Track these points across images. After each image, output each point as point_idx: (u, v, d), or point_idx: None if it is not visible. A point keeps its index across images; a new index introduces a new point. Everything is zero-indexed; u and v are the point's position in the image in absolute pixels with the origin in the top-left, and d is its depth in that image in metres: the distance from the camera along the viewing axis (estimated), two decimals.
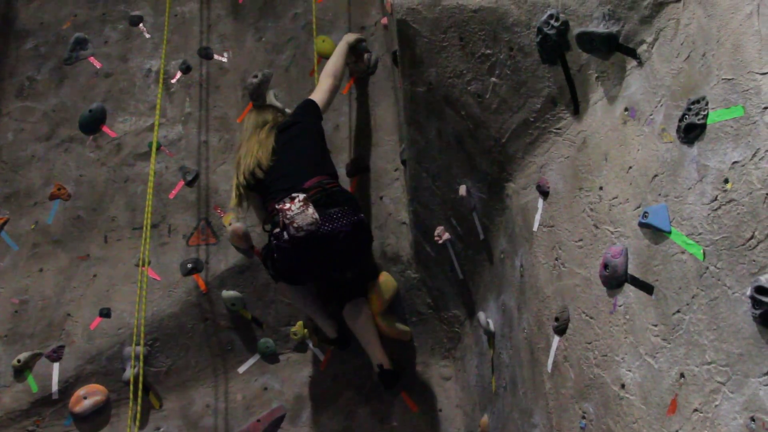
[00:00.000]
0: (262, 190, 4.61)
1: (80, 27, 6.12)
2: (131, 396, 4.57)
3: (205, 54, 5.86)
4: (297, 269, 4.50)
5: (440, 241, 4.37)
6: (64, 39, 6.11)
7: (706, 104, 2.21)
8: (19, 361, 5.11)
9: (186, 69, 5.83)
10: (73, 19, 6.17)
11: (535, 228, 3.30)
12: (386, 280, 4.93)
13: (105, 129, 5.79)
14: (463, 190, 3.95)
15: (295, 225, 4.24)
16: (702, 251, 2.15)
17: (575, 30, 2.83)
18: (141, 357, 4.80)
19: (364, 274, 4.93)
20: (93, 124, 5.80)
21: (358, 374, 5.05)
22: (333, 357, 5.12)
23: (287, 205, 4.28)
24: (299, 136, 4.67)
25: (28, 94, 6.03)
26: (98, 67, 5.98)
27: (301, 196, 4.29)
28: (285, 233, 4.29)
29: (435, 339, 5.02)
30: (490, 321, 4.04)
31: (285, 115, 5.00)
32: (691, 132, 2.25)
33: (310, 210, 4.25)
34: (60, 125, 5.87)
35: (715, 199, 2.12)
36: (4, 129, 5.94)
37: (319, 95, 4.87)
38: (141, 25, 6.07)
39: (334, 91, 4.97)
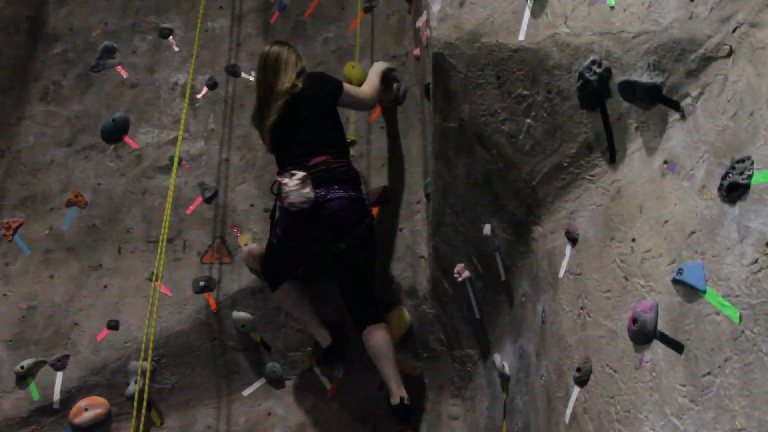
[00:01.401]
0: (274, 148, 4.85)
1: (110, 35, 6.14)
2: (135, 412, 4.51)
3: (233, 71, 5.85)
4: (293, 234, 4.68)
5: (459, 279, 4.32)
6: (93, 46, 6.12)
7: (752, 164, 2.16)
8: (22, 367, 5.06)
9: (212, 85, 5.82)
10: (103, 27, 6.18)
11: (561, 274, 3.24)
12: (400, 314, 4.88)
13: (127, 139, 5.77)
14: (487, 229, 3.91)
15: (288, 200, 4.48)
16: (738, 314, 2.09)
17: (618, 78, 2.79)
18: (148, 373, 4.74)
19: (374, 293, 4.84)
20: (115, 133, 5.79)
21: (364, 405, 4.98)
22: (339, 386, 5.05)
23: (285, 180, 4.49)
24: (315, 111, 4.75)
25: (52, 98, 6.03)
26: (125, 76, 5.98)
27: (300, 174, 4.49)
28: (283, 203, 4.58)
29: (445, 377, 4.95)
30: (505, 364, 3.98)
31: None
32: (734, 191, 2.20)
33: (306, 189, 4.46)
34: (82, 132, 5.86)
35: (756, 261, 2.06)
36: (26, 132, 5.94)
37: (350, 89, 4.92)
38: (171, 37, 6.07)
39: (363, 102, 5.01)
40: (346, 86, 4.89)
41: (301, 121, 4.71)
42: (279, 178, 4.57)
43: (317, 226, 4.57)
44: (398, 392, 4.68)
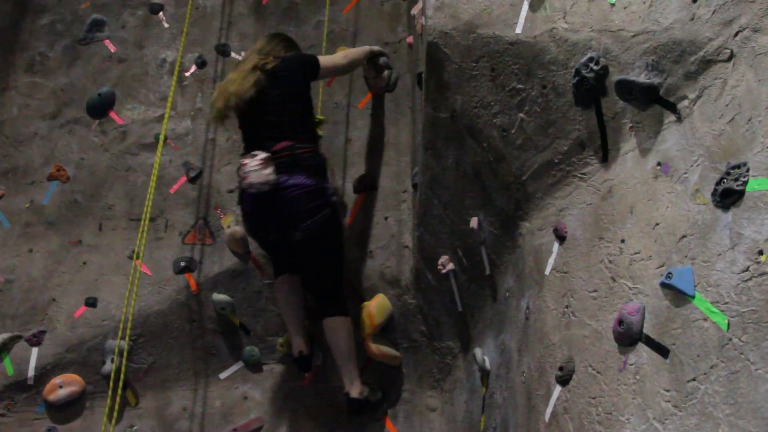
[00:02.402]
0: (241, 126, 4.79)
1: (99, 8, 6.04)
2: (110, 391, 4.46)
3: (223, 51, 5.78)
4: (250, 220, 4.66)
5: (443, 271, 4.29)
6: (82, 18, 6.02)
7: (747, 170, 2.14)
8: None
9: (201, 64, 5.75)
10: (92, 0, 6.09)
11: (547, 272, 3.22)
12: (382, 302, 4.86)
13: (112, 115, 5.70)
14: (474, 222, 3.87)
15: (247, 180, 4.41)
16: (727, 321, 2.08)
17: (615, 77, 2.76)
18: (125, 352, 4.69)
19: (338, 285, 4.79)
20: (101, 108, 5.71)
21: (341, 394, 4.95)
22: (317, 374, 5.02)
23: (246, 161, 4.44)
24: (284, 93, 4.66)
25: (38, 69, 5.94)
26: (113, 51, 5.90)
27: (263, 154, 4.42)
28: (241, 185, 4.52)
29: (425, 368, 4.93)
30: (486, 358, 3.96)
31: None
32: (728, 197, 2.18)
33: (267, 170, 4.39)
34: (67, 105, 5.78)
35: (747, 269, 2.05)
36: (10, 102, 5.85)
37: (325, 61, 4.84)
38: (161, 13, 5.98)
39: (337, 70, 4.97)
40: (322, 62, 4.81)
41: (270, 102, 4.62)
42: (241, 159, 4.52)
43: (272, 213, 4.49)
44: (349, 387, 4.67)
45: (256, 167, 4.39)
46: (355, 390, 4.67)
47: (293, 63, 4.79)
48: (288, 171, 4.45)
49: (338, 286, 4.79)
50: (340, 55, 4.98)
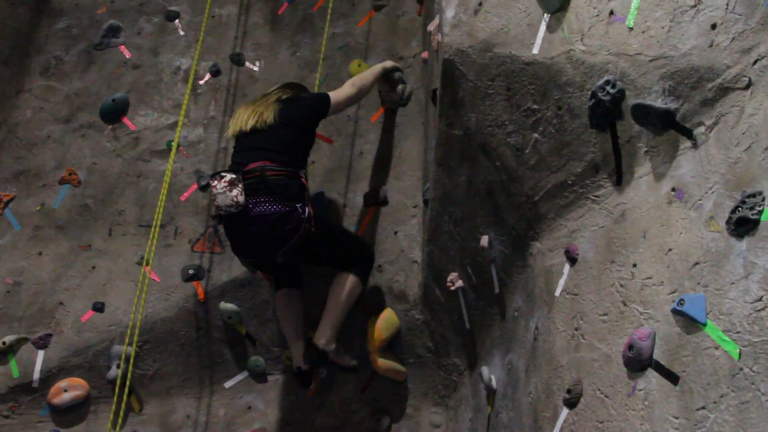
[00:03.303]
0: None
1: (115, 14, 6.08)
2: (115, 397, 4.46)
3: (237, 60, 5.80)
4: (231, 242, 4.60)
5: (452, 288, 4.29)
6: (98, 24, 6.06)
7: (763, 200, 2.13)
8: (4, 343, 5.00)
9: (216, 72, 5.77)
10: (109, 5, 6.13)
11: (557, 293, 3.21)
12: (389, 317, 4.84)
13: (125, 120, 5.72)
14: (485, 240, 3.87)
15: (216, 203, 4.37)
16: (738, 350, 2.07)
17: (631, 100, 2.75)
18: (132, 358, 4.69)
19: (348, 250, 4.79)
20: (114, 113, 5.74)
21: (345, 407, 4.95)
22: (322, 386, 5.01)
23: (214, 183, 4.37)
24: (283, 120, 4.59)
25: (53, 73, 5.97)
26: (128, 57, 5.92)
27: (229, 176, 4.36)
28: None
29: (430, 384, 4.92)
30: (493, 377, 3.94)
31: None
32: (743, 226, 2.18)
33: (234, 192, 4.31)
34: (80, 110, 5.81)
35: (760, 299, 2.04)
36: (24, 105, 5.88)
37: (336, 96, 4.80)
38: (177, 21, 6.01)
39: (350, 102, 4.93)
40: (333, 97, 4.77)
41: (266, 128, 4.57)
42: (210, 180, 4.43)
43: (249, 237, 4.42)
44: (320, 339, 4.63)
45: (223, 190, 4.32)
46: (321, 340, 4.61)
47: (305, 96, 4.81)
48: (253, 194, 4.35)
49: (349, 250, 4.77)
50: (349, 85, 4.90)
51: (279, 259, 4.45)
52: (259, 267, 4.91)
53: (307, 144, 4.72)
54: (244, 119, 4.64)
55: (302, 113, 4.66)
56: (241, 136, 4.63)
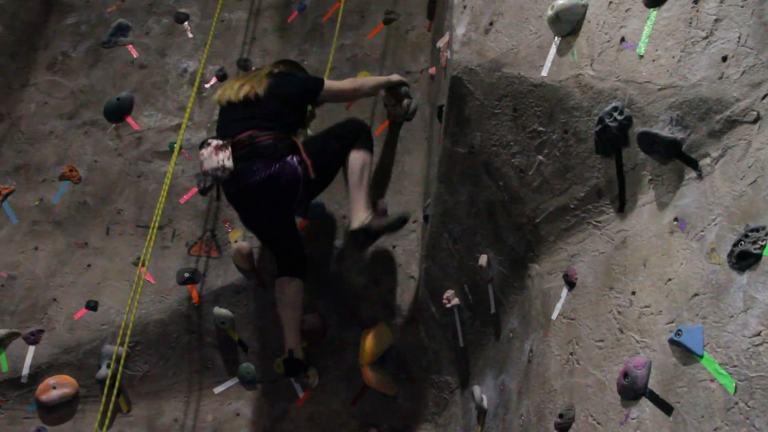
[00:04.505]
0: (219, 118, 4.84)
1: (125, 13, 6.09)
2: (104, 397, 4.44)
3: (244, 65, 5.80)
4: (245, 218, 4.75)
5: (448, 305, 4.27)
6: (107, 21, 6.08)
7: (766, 234, 2.13)
8: None
9: (222, 76, 5.77)
10: (119, 4, 6.15)
11: (553, 317, 3.20)
12: (383, 330, 4.84)
13: (129, 120, 5.72)
14: (483, 259, 3.86)
15: (203, 169, 4.48)
16: (734, 384, 2.06)
17: (638, 128, 2.75)
18: (122, 359, 4.67)
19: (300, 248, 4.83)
20: (118, 112, 5.74)
21: (334, 419, 4.93)
22: (312, 396, 4.99)
23: (202, 150, 4.50)
24: (274, 93, 4.65)
25: (59, 69, 5.98)
26: (135, 56, 5.93)
27: (215, 142, 4.46)
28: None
29: (421, 400, 4.89)
30: (484, 397, 3.93)
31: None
32: (745, 259, 2.17)
33: (220, 156, 4.38)
34: (84, 107, 5.81)
35: (759, 334, 2.03)
36: (29, 99, 5.88)
37: (330, 84, 4.88)
38: (186, 23, 6.02)
39: (343, 95, 5.01)
40: (327, 83, 4.86)
41: (256, 101, 4.63)
42: (198, 150, 4.57)
43: (257, 209, 4.56)
44: (355, 222, 4.66)
45: (209, 155, 4.42)
46: (356, 223, 4.63)
47: (299, 76, 4.91)
48: (248, 162, 4.42)
49: (343, 137, 4.81)
50: (349, 81, 5.02)
51: (294, 214, 4.64)
52: (271, 235, 4.84)
53: (296, 119, 4.77)
54: (235, 89, 4.69)
55: (293, 89, 4.74)
56: (229, 107, 4.68)
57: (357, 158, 4.73)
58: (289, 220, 4.73)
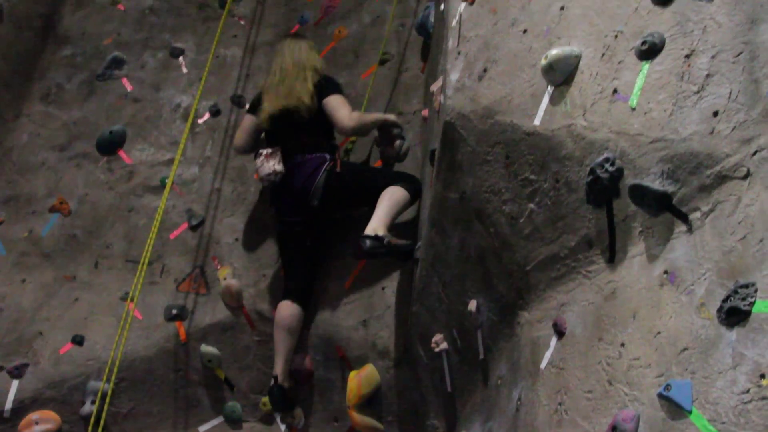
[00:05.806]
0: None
1: (121, 46, 6.11)
2: None
3: (238, 102, 5.82)
4: (277, 204, 5.14)
5: (437, 349, 4.25)
6: (102, 54, 6.10)
7: (755, 291, 2.13)
8: None
9: (215, 112, 5.79)
10: (115, 37, 6.17)
11: (542, 365, 3.18)
12: (370, 372, 4.81)
13: (121, 153, 5.72)
14: (473, 305, 3.84)
15: (258, 176, 5.03)
16: None
17: (629, 180, 2.76)
18: (108, 395, 4.62)
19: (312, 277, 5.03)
20: (111, 145, 5.75)
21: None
22: None
23: (258, 159, 5.02)
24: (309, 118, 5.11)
25: (53, 100, 5.98)
26: (129, 89, 5.94)
27: (266, 151, 5.01)
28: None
29: None
30: None
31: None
32: (734, 316, 2.17)
33: (271, 162, 4.95)
34: (77, 139, 5.81)
35: (747, 391, 2.02)
36: (21, 129, 5.88)
37: (335, 101, 5.13)
38: (181, 58, 6.04)
39: (339, 117, 5.09)
40: (334, 98, 5.08)
41: (295, 123, 5.06)
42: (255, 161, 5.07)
43: (289, 190, 4.97)
44: (371, 230, 4.68)
45: (261, 163, 4.95)
46: (371, 230, 4.67)
47: (329, 83, 5.23)
48: (292, 156, 5.00)
49: (387, 177, 5.00)
50: (351, 117, 5.08)
51: (314, 202, 4.95)
52: (294, 233, 5.08)
53: (329, 132, 5.24)
54: (280, 100, 5.12)
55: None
56: (276, 118, 5.09)
57: (395, 189, 4.85)
58: (316, 239, 5.10)
